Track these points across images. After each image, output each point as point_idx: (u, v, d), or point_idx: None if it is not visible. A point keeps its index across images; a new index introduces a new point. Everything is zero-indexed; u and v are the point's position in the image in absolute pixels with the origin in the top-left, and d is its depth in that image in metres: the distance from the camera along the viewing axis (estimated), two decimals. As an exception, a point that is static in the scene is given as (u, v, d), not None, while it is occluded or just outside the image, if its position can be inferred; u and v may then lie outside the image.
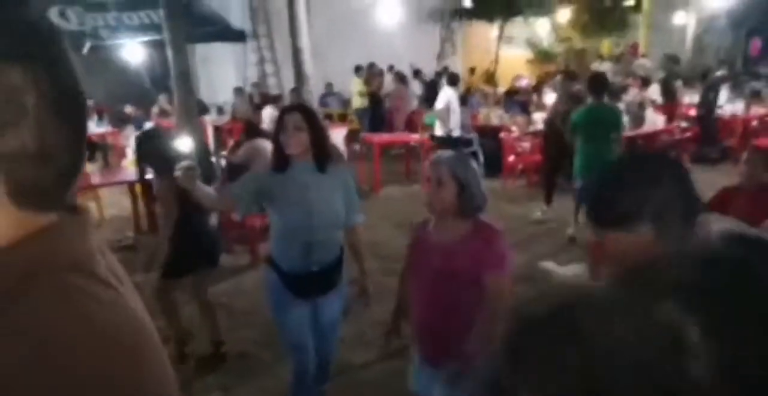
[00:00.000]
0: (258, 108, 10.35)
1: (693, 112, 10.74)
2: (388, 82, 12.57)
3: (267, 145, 5.79)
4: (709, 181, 6.33)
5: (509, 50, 17.19)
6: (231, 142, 9.33)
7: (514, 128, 8.94)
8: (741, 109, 10.47)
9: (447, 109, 8.16)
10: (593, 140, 5.49)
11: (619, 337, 0.41)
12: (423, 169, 7.83)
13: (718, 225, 1.22)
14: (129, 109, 10.31)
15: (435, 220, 2.34)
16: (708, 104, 9.84)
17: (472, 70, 15.29)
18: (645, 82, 11.57)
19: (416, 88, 13.14)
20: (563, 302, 0.47)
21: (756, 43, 19.35)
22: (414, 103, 12.42)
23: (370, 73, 12.27)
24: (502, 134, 8.66)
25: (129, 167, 6.67)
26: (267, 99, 11.05)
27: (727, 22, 18.87)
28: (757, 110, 10.63)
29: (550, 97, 8.97)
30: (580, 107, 5.96)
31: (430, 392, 2.38)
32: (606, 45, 18.80)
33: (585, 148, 5.58)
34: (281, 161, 2.64)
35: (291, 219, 2.63)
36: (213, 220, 3.91)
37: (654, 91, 10.96)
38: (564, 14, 17.16)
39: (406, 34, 14.43)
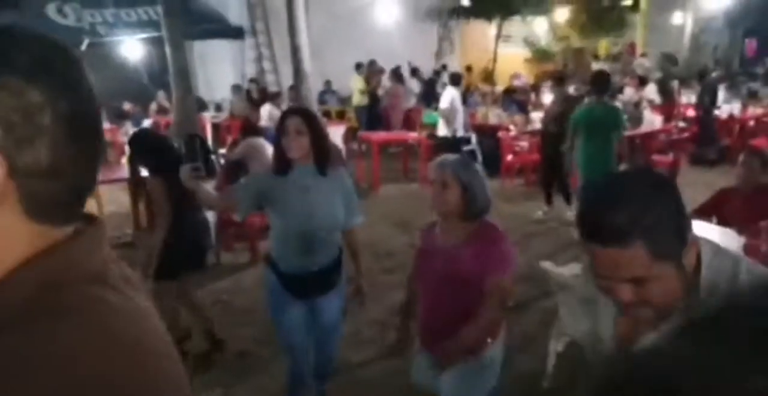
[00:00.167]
0: (256, 104, 10.36)
1: (690, 112, 10.78)
2: (386, 81, 12.58)
3: (264, 143, 5.81)
4: (707, 182, 6.42)
5: (507, 49, 17.20)
6: (229, 140, 9.36)
7: (512, 127, 8.95)
8: (738, 109, 10.51)
9: (452, 109, 8.16)
10: (594, 139, 5.51)
11: None
12: (421, 168, 7.86)
13: (707, 246, 1.24)
14: (127, 106, 10.32)
15: (440, 222, 2.37)
16: (705, 105, 9.87)
17: (469, 69, 15.29)
18: (642, 82, 11.60)
19: (414, 86, 13.14)
20: (654, 371, 0.45)
21: (752, 44, 19.44)
22: (412, 101, 12.44)
23: (370, 71, 12.27)
24: (500, 133, 8.66)
25: (127, 164, 6.67)
26: (266, 95, 11.06)
27: (724, 22, 18.95)
28: (754, 111, 10.68)
29: (548, 97, 9.00)
30: (575, 107, 6.00)
31: (433, 386, 2.44)
32: (603, 44, 18.84)
33: (586, 146, 5.59)
34: (282, 164, 2.66)
35: (291, 221, 2.66)
36: (204, 217, 3.93)
37: (651, 91, 10.99)
38: (562, 13, 17.19)
39: (404, 32, 14.43)
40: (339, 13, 13.01)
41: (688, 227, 1.18)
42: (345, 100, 12.86)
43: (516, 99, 10.30)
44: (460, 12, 16.29)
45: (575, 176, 6.31)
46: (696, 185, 6.40)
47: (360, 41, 13.13)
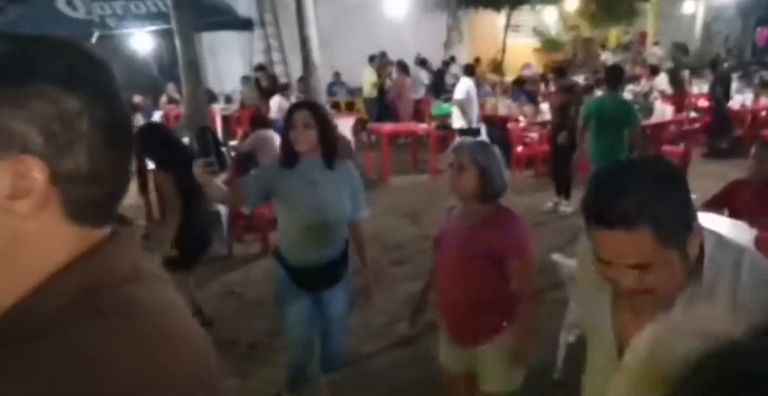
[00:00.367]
0: (266, 94, 10.35)
1: (702, 103, 10.68)
2: (393, 72, 12.52)
3: (273, 135, 5.84)
4: (719, 173, 6.38)
5: (516, 39, 17.07)
6: (239, 131, 9.38)
7: (521, 118, 8.92)
8: (750, 99, 10.40)
9: (468, 99, 8.13)
10: (605, 133, 5.51)
11: None
12: (430, 159, 7.86)
13: (710, 237, 1.25)
14: (137, 99, 10.35)
15: (459, 205, 2.41)
16: (718, 96, 9.75)
17: (477, 60, 15.22)
18: (654, 71, 11.51)
19: (423, 77, 13.08)
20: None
21: (764, 33, 19.21)
22: (421, 92, 12.39)
23: (381, 63, 12.22)
24: (509, 124, 8.64)
25: (134, 157, 6.70)
26: (275, 82, 11.05)
27: (736, 11, 18.73)
28: (767, 101, 10.57)
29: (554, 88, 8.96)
30: (579, 97, 6.04)
31: (459, 367, 2.50)
32: (614, 34, 18.67)
33: (597, 140, 5.60)
34: (290, 157, 2.68)
35: (299, 214, 2.69)
36: (211, 211, 3.97)
37: (662, 81, 10.90)
38: (572, 2, 17.02)
39: (413, 22, 14.35)
40: (347, 3, 12.95)
41: (694, 216, 1.18)
42: (354, 92, 12.84)
43: (525, 89, 10.25)
44: (468, 2, 16.13)
45: (584, 169, 6.30)
46: (708, 177, 6.38)
47: (368, 32, 13.08)
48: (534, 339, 2.40)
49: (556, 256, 3.44)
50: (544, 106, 8.87)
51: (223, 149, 6.54)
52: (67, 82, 0.62)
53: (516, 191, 7.44)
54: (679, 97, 10.65)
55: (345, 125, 8.94)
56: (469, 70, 8.66)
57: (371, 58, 12.24)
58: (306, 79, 8.12)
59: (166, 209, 3.73)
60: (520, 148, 8.37)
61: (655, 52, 15.73)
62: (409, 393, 3.36)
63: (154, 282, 0.71)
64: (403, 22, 14.11)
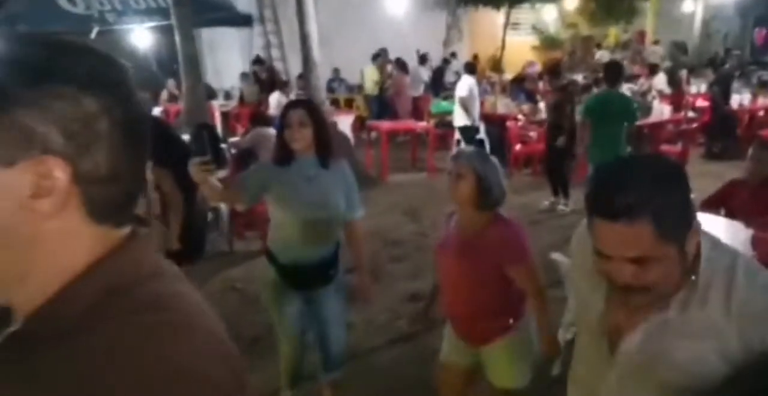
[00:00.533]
0: (265, 88, 10.33)
1: (700, 102, 10.68)
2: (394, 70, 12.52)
3: (273, 132, 5.86)
4: (717, 173, 6.41)
5: (515, 36, 17.09)
6: (239, 128, 9.40)
7: (520, 117, 8.94)
8: (748, 99, 10.38)
9: (470, 97, 8.15)
10: (605, 128, 5.56)
11: None
12: (429, 157, 7.87)
13: (706, 239, 1.27)
14: (136, 94, 10.33)
15: (457, 212, 2.43)
16: (717, 98, 9.68)
17: (475, 57, 15.22)
18: (653, 70, 11.52)
19: (423, 74, 13.09)
20: None
21: (762, 33, 19.21)
22: (420, 89, 12.40)
23: (382, 60, 12.22)
24: (508, 123, 8.65)
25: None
26: (273, 75, 11.03)
27: (735, 10, 18.73)
28: (764, 101, 10.56)
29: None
30: (573, 96, 6.10)
31: (462, 364, 2.55)
32: (613, 32, 18.67)
33: (597, 136, 5.64)
34: (285, 155, 2.69)
35: (293, 212, 2.69)
36: (208, 206, 3.99)
37: (661, 81, 10.91)
38: (571, 1, 17.03)
39: (413, 20, 14.35)
40: (347, 0, 12.95)
41: (694, 215, 1.20)
42: (353, 89, 12.84)
43: (524, 88, 10.26)
44: (468, 0, 16.17)
45: (583, 167, 6.36)
46: (706, 176, 6.41)
47: (368, 29, 13.08)
48: (551, 335, 2.44)
49: (555, 255, 3.47)
50: (543, 105, 8.90)
51: (223, 146, 6.56)
52: (87, 83, 0.63)
53: (514, 190, 7.46)
54: (676, 97, 10.68)
55: (344, 122, 8.96)
56: (471, 69, 8.66)
57: (375, 57, 12.20)
58: (306, 76, 8.14)
59: (168, 205, 3.74)
60: (518, 147, 8.40)
61: (655, 51, 15.74)
62: (410, 388, 3.39)
63: (173, 278, 0.73)
64: (402, 19, 14.11)
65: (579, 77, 11.49)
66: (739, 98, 10.23)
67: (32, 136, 0.61)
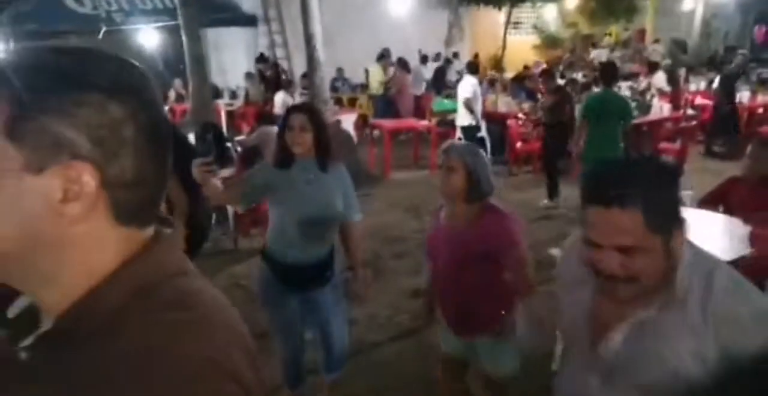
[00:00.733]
0: (270, 85, 10.36)
1: (699, 100, 10.70)
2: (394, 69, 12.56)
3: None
4: (716, 170, 6.47)
5: (516, 35, 17.16)
6: (244, 126, 9.48)
7: (521, 115, 9.00)
8: (747, 96, 10.39)
9: (475, 97, 8.21)
10: (602, 127, 5.67)
11: None
12: (431, 155, 7.90)
13: (689, 246, 1.33)
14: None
15: (446, 205, 2.52)
16: (720, 97, 9.64)
17: (476, 56, 15.29)
18: (652, 68, 11.53)
19: (425, 73, 13.15)
20: None
21: (761, 30, 19.18)
22: (422, 88, 12.46)
23: (386, 61, 12.26)
24: (509, 121, 8.72)
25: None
26: (278, 72, 11.07)
27: (735, 8, 18.70)
28: (764, 98, 10.58)
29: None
30: (569, 97, 6.21)
31: (457, 354, 2.64)
32: (613, 31, 18.69)
33: (594, 135, 5.75)
34: (285, 158, 2.76)
35: (291, 214, 2.75)
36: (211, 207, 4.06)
37: (660, 80, 10.95)
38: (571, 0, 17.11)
39: (415, 19, 14.42)
40: (351, 0, 13.02)
41: (682, 213, 1.27)
42: (357, 88, 12.91)
43: (525, 87, 10.32)
44: (470, -1, 16.23)
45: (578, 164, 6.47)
46: (705, 173, 6.50)
47: (371, 29, 13.15)
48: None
49: (555, 251, 3.53)
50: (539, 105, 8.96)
51: (229, 145, 6.66)
52: (112, 90, 0.64)
53: (513, 187, 7.58)
54: (676, 95, 10.71)
55: (348, 121, 9.04)
56: (473, 69, 8.71)
57: (380, 57, 12.18)
58: (310, 75, 8.22)
59: (174, 205, 3.82)
60: (519, 145, 8.46)
61: (656, 50, 15.75)
62: (412, 383, 3.43)
63: (195, 276, 0.75)
64: (405, 18, 14.17)
65: (578, 76, 11.56)
66: (739, 96, 10.24)
67: (61, 141, 0.62)
